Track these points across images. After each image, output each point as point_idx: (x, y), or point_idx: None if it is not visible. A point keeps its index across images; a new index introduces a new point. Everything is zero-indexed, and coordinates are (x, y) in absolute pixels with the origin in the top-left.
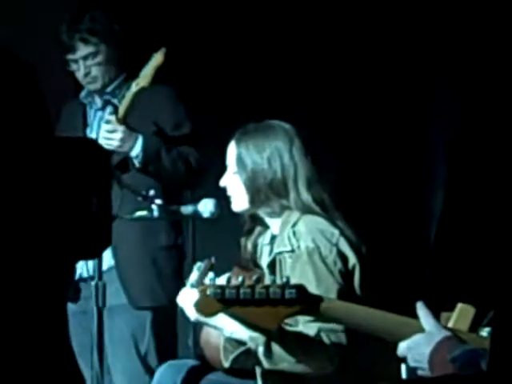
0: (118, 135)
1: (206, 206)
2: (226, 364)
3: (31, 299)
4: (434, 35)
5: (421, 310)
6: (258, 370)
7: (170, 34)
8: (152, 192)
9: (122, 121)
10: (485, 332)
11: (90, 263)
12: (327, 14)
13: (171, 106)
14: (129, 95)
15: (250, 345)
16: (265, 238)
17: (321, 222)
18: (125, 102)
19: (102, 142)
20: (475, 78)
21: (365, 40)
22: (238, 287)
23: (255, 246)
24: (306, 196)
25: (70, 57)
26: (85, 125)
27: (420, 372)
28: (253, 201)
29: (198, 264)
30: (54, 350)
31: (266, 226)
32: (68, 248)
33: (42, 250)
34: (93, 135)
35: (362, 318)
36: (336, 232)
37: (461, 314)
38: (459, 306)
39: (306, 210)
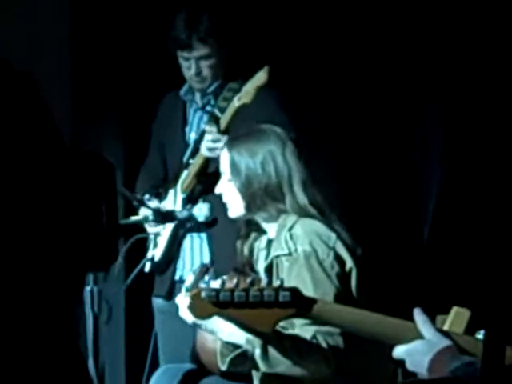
0: (222, 145)
1: (201, 210)
2: (223, 367)
3: (40, 305)
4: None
5: (418, 316)
6: (254, 374)
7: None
8: (147, 196)
9: (224, 132)
10: (481, 335)
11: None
12: (327, 15)
13: (272, 111)
14: (231, 110)
15: (247, 347)
16: (261, 243)
17: (318, 226)
18: (227, 116)
19: (205, 150)
20: (474, 82)
21: (363, 45)
22: (232, 290)
23: (251, 250)
24: (302, 199)
25: (184, 54)
26: (184, 122)
27: (419, 376)
28: (249, 207)
29: (194, 268)
30: (62, 354)
31: (262, 231)
32: (78, 259)
33: (52, 260)
34: (192, 135)
35: (356, 321)
36: (333, 235)
37: (456, 318)
38: (454, 309)
39: (302, 213)
